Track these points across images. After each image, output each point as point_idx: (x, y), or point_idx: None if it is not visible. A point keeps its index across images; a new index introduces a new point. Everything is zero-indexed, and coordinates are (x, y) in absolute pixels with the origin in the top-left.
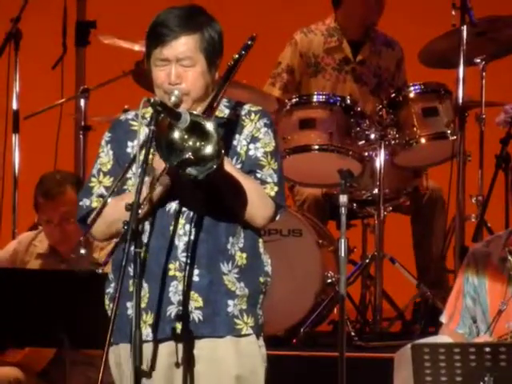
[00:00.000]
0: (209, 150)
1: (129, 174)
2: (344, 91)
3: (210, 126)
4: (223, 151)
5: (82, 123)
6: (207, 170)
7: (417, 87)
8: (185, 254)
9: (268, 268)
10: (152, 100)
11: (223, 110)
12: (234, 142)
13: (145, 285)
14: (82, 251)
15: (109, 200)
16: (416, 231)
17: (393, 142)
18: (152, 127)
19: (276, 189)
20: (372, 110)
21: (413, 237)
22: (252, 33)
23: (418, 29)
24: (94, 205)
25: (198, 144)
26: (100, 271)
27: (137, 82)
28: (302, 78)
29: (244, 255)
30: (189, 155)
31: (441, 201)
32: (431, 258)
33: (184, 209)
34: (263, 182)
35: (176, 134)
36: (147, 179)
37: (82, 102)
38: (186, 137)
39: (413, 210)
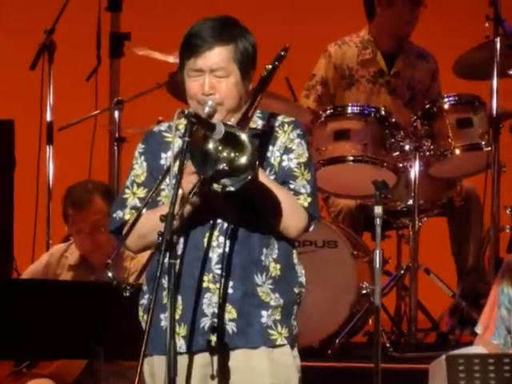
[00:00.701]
0: (243, 160)
1: (162, 186)
2: (378, 103)
3: (244, 136)
4: (258, 162)
5: (116, 135)
6: (242, 180)
7: (451, 98)
8: (219, 266)
9: (302, 279)
10: (186, 111)
11: (256, 121)
12: (268, 154)
13: (178, 297)
14: (109, 274)
15: (143, 211)
16: (453, 231)
17: (427, 153)
18: (186, 138)
19: (309, 200)
20: (406, 123)
21: (451, 239)
22: (285, 44)
23: (452, 40)
24: (127, 217)
25: (232, 155)
26: (127, 295)
27: (171, 94)
28: (336, 90)
29: (278, 266)
30: (223, 166)
31: (475, 196)
32: (469, 257)
33: (218, 220)
34: (296, 193)
35: (210, 145)
36: (180, 191)
37: (116, 113)
38: (220, 148)
39: (448, 212)
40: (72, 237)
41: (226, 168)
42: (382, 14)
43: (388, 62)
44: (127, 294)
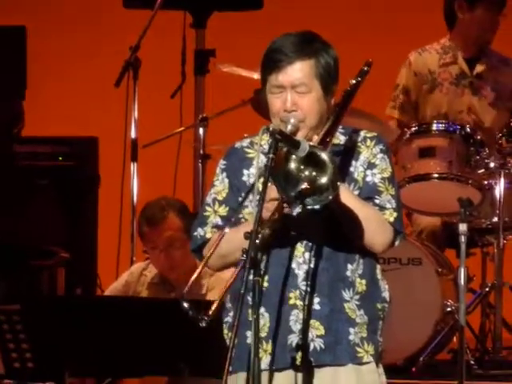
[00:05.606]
0: (324, 180)
1: (245, 203)
2: (462, 105)
3: (325, 156)
4: (339, 182)
5: (201, 152)
6: (323, 200)
7: None
8: (305, 283)
9: (385, 294)
10: (271, 128)
11: (338, 137)
12: (351, 169)
13: (265, 314)
14: (185, 305)
15: (226, 230)
16: None
17: None
18: (271, 155)
19: (395, 215)
20: (492, 122)
21: None
22: (367, 58)
23: None
24: (209, 235)
25: (314, 174)
26: (204, 325)
27: (256, 111)
28: (417, 96)
29: (364, 282)
30: (305, 185)
31: None
32: None
33: (303, 237)
34: (382, 209)
35: (292, 165)
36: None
37: (201, 130)
38: (301, 167)
39: None
40: (148, 254)
41: (308, 187)
42: (463, 20)
43: (469, 65)
44: (203, 325)
